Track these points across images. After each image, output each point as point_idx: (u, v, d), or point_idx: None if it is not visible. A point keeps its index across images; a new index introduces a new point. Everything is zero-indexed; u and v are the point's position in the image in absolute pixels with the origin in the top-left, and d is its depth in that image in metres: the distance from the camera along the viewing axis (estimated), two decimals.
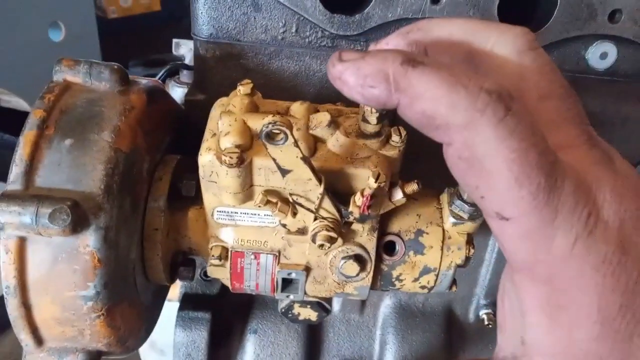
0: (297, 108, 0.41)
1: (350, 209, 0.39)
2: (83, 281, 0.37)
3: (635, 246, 0.25)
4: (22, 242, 0.37)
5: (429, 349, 0.62)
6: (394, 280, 0.46)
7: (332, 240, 0.41)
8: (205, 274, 0.58)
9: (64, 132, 0.39)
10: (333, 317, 0.63)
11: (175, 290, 0.61)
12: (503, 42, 0.29)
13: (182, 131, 0.50)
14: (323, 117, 0.40)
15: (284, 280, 0.45)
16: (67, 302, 0.38)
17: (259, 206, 0.40)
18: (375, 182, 0.38)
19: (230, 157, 0.37)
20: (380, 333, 0.63)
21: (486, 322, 0.62)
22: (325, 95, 0.50)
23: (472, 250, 0.45)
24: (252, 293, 0.46)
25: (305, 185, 0.39)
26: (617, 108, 0.53)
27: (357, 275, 0.43)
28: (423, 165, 0.45)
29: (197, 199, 0.44)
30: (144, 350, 0.80)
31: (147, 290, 0.46)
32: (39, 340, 0.40)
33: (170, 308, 0.57)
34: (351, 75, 0.27)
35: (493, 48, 0.29)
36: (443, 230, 0.45)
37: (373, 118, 0.38)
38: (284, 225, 0.42)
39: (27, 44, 1.30)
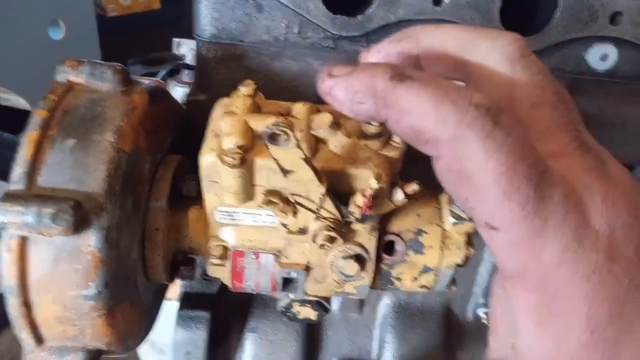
0: (299, 109, 0.41)
1: (351, 209, 0.40)
2: (84, 281, 0.37)
3: (626, 254, 0.25)
4: (23, 241, 0.37)
5: (427, 347, 0.62)
6: (393, 279, 0.46)
7: (332, 240, 0.41)
8: (205, 273, 0.59)
9: (66, 132, 0.39)
10: (332, 316, 0.63)
11: (175, 289, 0.61)
12: (494, 51, 0.29)
13: (184, 131, 0.51)
14: (325, 118, 0.40)
15: (284, 279, 0.45)
16: (68, 302, 0.38)
17: (260, 206, 0.41)
18: (377, 182, 0.38)
19: (233, 158, 0.38)
20: (379, 332, 0.63)
21: (484, 321, 0.62)
22: None
23: (471, 250, 0.45)
24: (252, 292, 0.47)
25: (306, 185, 0.39)
26: (617, 110, 0.53)
27: (357, 274, 0.44)
28: (422, 166, 0.45)
29: (198, 199, 0.44)
30: (143, 349, 0.81)
31: (147, 290, 0.46)
32: (39, 339, 0.40)
33: (169, 307, 0.58)
34: (340, 91, 0.27)
35: (484, 57, 0.29)
36: (442, 230, 0.45)
37: None
38: (285, 225, 0.42)
39: (27, 42, 1.30)
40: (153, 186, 0.44)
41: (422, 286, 0.47)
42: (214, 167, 0.39)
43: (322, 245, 0.41)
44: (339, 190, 0.40)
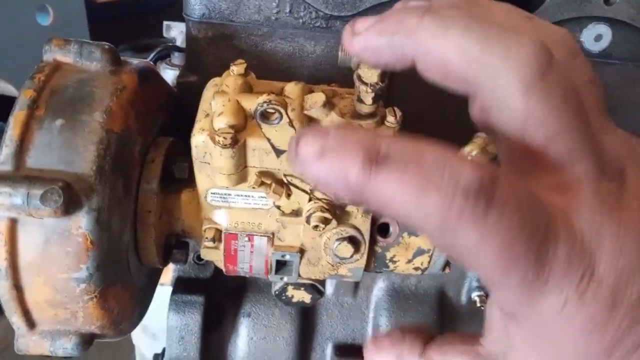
0: (292, 88, 0.41)
1: None
2: (75, 263, 0.37)
3: (628, 297, 0.24)
4: (13, 223, 0.36)
5: None
6: (387, 261, 0.46)
7: (326, 222, 0.41)
8: (198, 257, 0.58)
9: (54, 112, 0.38)
10: (326, 300, 0.63)
11: (168, 274, 0.60)
12: (507, 72, 0.24)
13: (174, 113, 0.50)
14: (318, 97, 0.40)
15: (277, 262, 0.45)
16: (59, 284, 0.37)
17: (253, 188, 0.40)
18: None
19: (224, 138, 0.37)
20: (373, 315, 0.63)
21: (478, 304, 0.62)
22: (320, 76, 0.49)
23: None
24: (246, 275, 0.46)
25: None
26: (612, 91, 0.53)
27: (351, 257, 0.43)
28: None
29: (190, 181, 0.44)
30: (136, 335, 0.80)
31: (140, 273, 0.46)
32: (31, 323, 0.39)
33: (162, 292, 0.57)
34: (312, 175, 0.24)
35: (495, 76, 0.24)
36: None
37: (368, 98, 0.38)
38: (278, 207, 0.42)
39: (15, 28, 1.27)
40: (144, 168, 0.43)
41: (417, 268, 0.47)
42: (205, 147, 0.39)
43: (315, 227, 0.41)
44: None
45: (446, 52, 0.25)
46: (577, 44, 0.27)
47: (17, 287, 0.37)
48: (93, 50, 0.42)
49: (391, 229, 0.45)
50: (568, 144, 0.24)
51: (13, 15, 1.26)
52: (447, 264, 0.47)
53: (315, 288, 0.49)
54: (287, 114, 0.35)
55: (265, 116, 0.35)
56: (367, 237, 0.43)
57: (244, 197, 0.42)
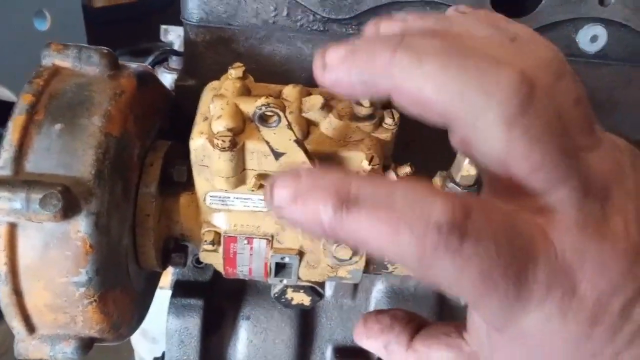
0: (290, 91, 0.41)
1: None
2: (75, 267, 0.37)
3: (610, 313, 0.24)
4: (12, 228, 0.36)
5: None
6: (386, 263, 0.46)
7: None
8: (197, 260, 0.58)
9: (53, 117, 0.38)
10: (325, 302, 0.63)
11: (167, 277, 0.60)
12: (487, 111, 0.23)
13: (172, 117, 0.50)
14: (316, 100, 0.40)
15: (277, 264, 0.45)
16: (59, 289, 0.37)
17: (252, 190, 0.40)
18: (369, 164, 0.38)
19: (223, 141, 0.37)
20: None
21: None
22: None
23: None
24: (245, 278, 0.46)
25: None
26: (608, 92, 0.53)
27: (351, 258, 0.43)
28: (416, 149, 0.45)
29: (188, 184, 0.44)
30: (135, 339, 0.80)
31: (139, 277, 0.46)
32: (30, 327, 0.39)
33: (161, 296, 0.57)
34: (288, 218, 0.24)
35: (475, 115, 0.24)
36: None
37: (366, 100, 0.38)
38: None
39: (12, 33, 1.27)
40: (143, 172, 0.43)
41: None
42: (204, 150, 0.39)
43: None
44: None
45: (422, 89, 0.24)
46: (564, 63, 0.25)
47: (17, 292, 0.37)
48: (92, 55, 0.42)
49: None
50: (551, 173, 0.24)
51: (10, 20, 1.26)
52: None
53: (315, 290, 0.49)
54: (285, 116, 0.35)
55: (263, 119, 0.35)
56: None
57: (243, 199, 0.42)
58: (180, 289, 0.59)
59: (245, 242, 0.43)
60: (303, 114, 0.40)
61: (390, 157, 0.43)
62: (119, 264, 0.41)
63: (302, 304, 0.50)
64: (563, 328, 0.24)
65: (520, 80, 0.23)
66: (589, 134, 0.25)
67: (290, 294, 0.49)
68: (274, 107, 0.34)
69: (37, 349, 0.40)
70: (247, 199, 0.42)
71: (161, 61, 0.67)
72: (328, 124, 0.40)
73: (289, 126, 0.36)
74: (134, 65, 0.45)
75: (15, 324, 0.39)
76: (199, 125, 0.40)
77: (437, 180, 0.45)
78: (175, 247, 0.47)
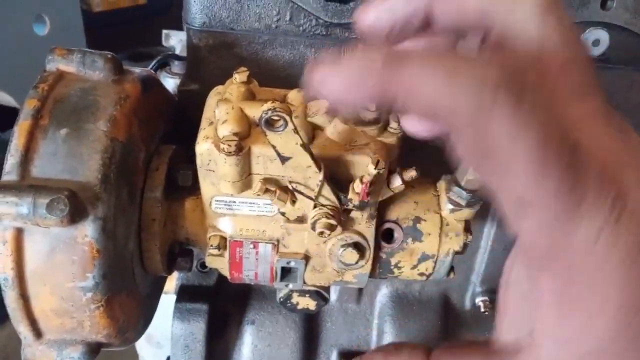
0: (295, 95, 0.41)
1: (350, 196, 0.39)
2: (82, 272, 0.37)
3: None
4: (19, 233, 0.36)
5: (425, 336, 0.62)
6: (392, 267, 0.46)
7: (332, 228, 0.41)
8: (201, 265, 0.58)
9: (59, 121, 0.38)
10: (330, 307, 0.63)
11: (172, 282, 0.60)
12: (522, 8, 0.25)
13: (176, 121, 0.50)
14: (321, 104, 0.40)
15: (283, 269, 0.45)
16: (66, 293, 0.37)
17: (258, 195, 0.40)
18: (375, 168, 0.38)
19: (229, 145, 0.37)
20: (378, 322, 0.63)
21: (482, 310, 0.62)
22: None
23: (469, 237, 0.45)
24: (251, 283, 0.46)
25: (304, 172, 0.39)
26: (610, 95, 0.53)
27: (357, 263, 0.43)
28: (420, 153, 0.45)
29: (194, 189, 0.44)
30: (140, 343, 0.80)
31: (145, 282, 0.46)
32: (37, 332, 0.39)
33: (166, 300, 0.57)
34: (330, 90, 0.24)
35: (512, 7, 0.25)
36: (441, 217, 0.45)
37: (371, 105, 0.38)
38: (283, 214, 0.42)
39: (12, 38, 1.28)
40: (148, 176, 0.43)
41: (422, 274, 0.47)
42: (210, 155, 0.39)
43: (321, 233, 0.41)
44: (337, 177, 0.40)
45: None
46: None
47: (24, 297, 0.37)
48: (96, 60, 0.42)
49: (395, 234, 0.45)
50: (581, 75, 0.25)
51: (10, 25, 1.26)
52: (451, 269, 0.47)
53: (320, 295, 0.49)
54: (292, 121, 0.35)
55: (270, 123, 0.35)
56: (371, 243, 0.44)
57: (249, 204, 0.42)
58: (185, 294, 0.59)
59: (251, 246, 0.43)
60: (308, 119, 0.40)
61: (395, 161, 0.43)
62: (125, 269, 0.41)
63: (307, 309, 0.49)
64: (617, 241, 0.22)
65: None
66: None
67: (295, 298, 0.49)
68: (280, 111, 0.34)
69: (44, 354, 0.40)
70: (252, 203, 0.42)
71: (163, 65, 0.67)
72: (333, 128, 0.40)
73: (296, 130, 0.36)
74: (137, 70, 0.45)
75: (22, 328, 0.39)
76: (204, 130, 0.40)
77: (442, 184, 0.45)
78: (180, 252, 0.47)
